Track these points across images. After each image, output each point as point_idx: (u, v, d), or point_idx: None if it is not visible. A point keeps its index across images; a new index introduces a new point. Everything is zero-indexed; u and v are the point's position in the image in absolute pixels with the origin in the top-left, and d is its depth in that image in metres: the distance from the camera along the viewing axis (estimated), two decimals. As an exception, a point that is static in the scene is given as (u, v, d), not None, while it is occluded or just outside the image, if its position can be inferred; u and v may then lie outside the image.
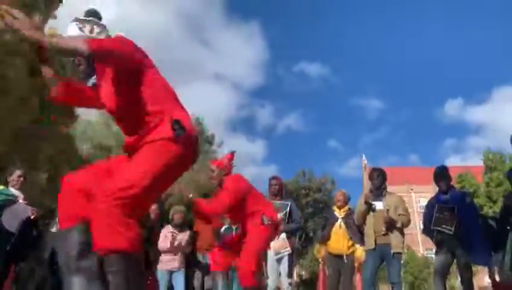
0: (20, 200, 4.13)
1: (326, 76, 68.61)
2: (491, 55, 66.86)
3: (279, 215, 5.11)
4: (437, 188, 4.86)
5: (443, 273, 4.60)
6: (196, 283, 5.84)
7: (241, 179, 3.77)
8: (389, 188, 5.19)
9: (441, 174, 4.81)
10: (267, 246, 4.04)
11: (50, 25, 10.47)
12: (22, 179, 4.27)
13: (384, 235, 4.67)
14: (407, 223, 4.79)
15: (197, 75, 63.06)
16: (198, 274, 5.88)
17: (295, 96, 68.91)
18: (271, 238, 3.86)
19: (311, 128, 68.26)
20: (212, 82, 60.29)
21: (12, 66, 8.35)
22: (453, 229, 4.39)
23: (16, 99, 8.51)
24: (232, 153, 3.97)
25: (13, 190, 4.18)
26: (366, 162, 40.92)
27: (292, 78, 67.58)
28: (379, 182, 4.98)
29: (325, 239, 5.34)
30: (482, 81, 70.20)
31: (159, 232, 5.55)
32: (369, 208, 4.77)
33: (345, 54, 69.66)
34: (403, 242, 4.78)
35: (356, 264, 5.17)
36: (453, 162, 43.64)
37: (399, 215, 4.74)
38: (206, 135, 23.08)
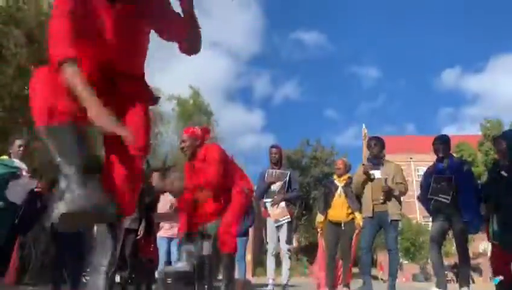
0: (24, 172, 4.11)
1: (323, 44, 67.73)
2: (488, 24, 65.80)
3: (279, 184, 5.17)
4: (435, 157, 4.89)
5: (439, 240, 4.69)
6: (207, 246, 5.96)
7: (222, 150, 3.70)
8: (388, 157, 5.22)
9: (441, 142, 4.83)
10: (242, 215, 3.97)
11: None
12: (22, 148, 4.20)
13: (382, 203, 4.74)
14: (404, 192, 4.84)
15: (194, 44, 61.83)
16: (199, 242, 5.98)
17: (292, 65, 68.29)
18: (247, 208, 3.87)
19: (308, 98, 68.13)
20: (208, 50, 59.52)
21: (10, 35, 8.23)
22: (449, 198, 4.45)
23: (15, 67, 8.43)
24: (208, 129, 3.90)
25: (16, 161, 4.15)
26: (366, 131, 40.88)
27: (289, 46, 66.72)
28: (377, 150, 5.00)
29: (326, 209, 5.39)
30: (480, 50, 69.44)
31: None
32: (368, 178, 4.82)
33: (341, 22, 68.60)
34: (400, 210, 4.85)
35: (356, 231, 5.25)
36: (449, 132, 43.68)
37: (396, 183, 4.78)
38: (203, 107, 22.96)
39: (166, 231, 5.55)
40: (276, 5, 70.59)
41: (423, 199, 4.78)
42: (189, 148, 3.53)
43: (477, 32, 68.60)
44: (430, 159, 5.02)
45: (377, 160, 4.98)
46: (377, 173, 4.85)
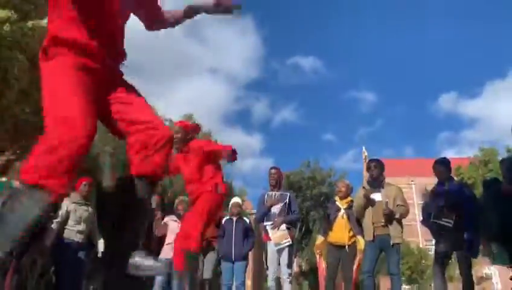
0: None
1: (320, 70, 68.74)
2: (483, 51, 67.07)
3: (279, 206, 5.15)
4: (436, 180, 4.89)
5: (442, 264, 4.64)
6: (208, 270, 5.89)
7: (206, 144, 3.69)
8: (389, 180, 5.20)
9: (441, 165, 4.84)
10: (214, 215, 3.83)
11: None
12: None
13: (383, 226, 4.70)
14: (405, 214, 4.81)
15: (192, 70, 63.29)
16: (208, 262, 5.91)
17: (290, 90, 69.17)
18: (219, 207, 3.75)
19: (306, 122, 68.63)
20: (208, 77, 60.42)
21: (15, 60, 8.34)
22: (452, 221, 4.42)
23: (17, 92, 8.51)
24: (198, 125, 3.89)
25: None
26: (366, 154, 40.90)
27: (286, 72, 67.74)
28: (377, 173, 4.99)
29: (329, 230, 5.35)
30: (475, 76, 70.62)
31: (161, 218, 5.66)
32: (368, 202, 4.79)
33: (338, 48, 69.76)
34: (402, 232, 4.81)
35: (358, 256, 5.19)
36: (448, 155, 43.77)
37: (397, 205, 4.76)
38: (203, 131, 22.88)
39: (167, 253, 5.48)
40: (274, 32, 71.99)
41: (426, 222, 4.75)
42: (180, 142, 3.49)
43: (473, 58, 69.86)
44: (432, 182, 5.01)
45: (377, 182, 4.97)
46: (377, 196, 4.83)
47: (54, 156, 1.34)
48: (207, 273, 5.79)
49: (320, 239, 5.64)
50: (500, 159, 5.18)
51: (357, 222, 5.12)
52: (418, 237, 33.51)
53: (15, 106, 8.78)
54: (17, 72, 8.31)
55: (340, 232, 5.23)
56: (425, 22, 67.83)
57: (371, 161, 5.21)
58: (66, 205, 5.08)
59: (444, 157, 5.04)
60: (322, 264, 5.54)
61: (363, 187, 5.14)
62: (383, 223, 4.69)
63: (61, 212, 5.03)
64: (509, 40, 64.97)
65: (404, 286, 27.26)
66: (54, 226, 4.94)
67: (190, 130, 3.58)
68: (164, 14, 1.95)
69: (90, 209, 5.22)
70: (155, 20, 1.95)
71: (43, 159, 1.35)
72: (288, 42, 73.00)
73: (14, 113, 8.87)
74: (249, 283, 19.96)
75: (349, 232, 5.21)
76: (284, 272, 4.98)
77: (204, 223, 3.43)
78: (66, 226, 4.99)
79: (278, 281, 5.11)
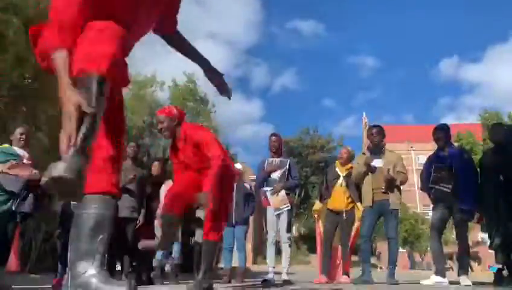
0: (25, 160, 4.11)
1: (320, 34, 67.31)
2: (485, 14, 65.53)
3: (279, 172, 5.18)
4: (436, 146, 4.89)
5: (439, 229, 4.72)
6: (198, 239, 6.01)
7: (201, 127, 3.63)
8: (389, 146, 5.22)
9: (441, 131, 4.83)
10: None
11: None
12: (23, 137, 4.20)
13: (383, 192, 4.75)
14: (404, 181, 4.85)
15: (191, 35, 61.83)
16: (199, 231, 6.04)
17: (289, 54, 67.99)
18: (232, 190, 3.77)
19: (305, 87, 68.00)
20: (206, 41, 59.35)
21: (9, 23, 8.14)
22: (450, 187, 4.46)
23: (13, 56, 8.36)
24: (182, 111, 3.76)
25: (17, 149, 4.15)
26: (366, 120, 40.82)
27: (286, 36, 66.35)
28: (378, 139, 4.98)
29: (327, 197, 5.40)
30: (476, 40, 69.36)
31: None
32: (369, 169, 4.82)
33: (338, 11, 68.04)
34: (400, 198, 4.87)
35: (356, 223, 5.25)
36: (448, 121, 43.82)
37: (398, 172, 4.79)
38: (199, 95, 22.43)
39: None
40: (273, -6, 69.95)
41: (425, 187, 4.80)
42: (168, 129, 3.40)
43: (474, 23, 68.43)
44: (431, 148, 5.02)
45: (377, 149, 4.97)
46: (378, 162, 4.85)
47: None
48: (199, 237, 5.91)
49: (317, 204, 5.70)
50: (492, 124, 5.15)
51: (355, 188, 5.16)
52: (416, 202, 34.00)
53: (12, 72, 8.66)
54: (12, 36, 8.13)
55: (339, 198, 5.27)
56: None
57: (372, 127, 5.19)
58: None
59: (444, 124, 5.03)
60: (319, 229, 5.62)
61: (363, 153, 5.15)
62: (383, 190, 4.73)
63: None
64: (510, 4, 63.45)
65: (400, 249, 27.96)
66: None
67: (174, 116, 3.44)
68: (177, 33, 1.94)
69: None
70: (165, 31, 1.90)
71: None
72: (288, 5, 71.20)
73: (10, 79, 8.76)
74: (249, 246, 20.41)
75: (347, 198, 5.26)
76: (283, 236, 5.07)
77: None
78: None
79: (277, 244, 5.22)
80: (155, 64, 55.66)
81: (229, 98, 2.14)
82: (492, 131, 4.83)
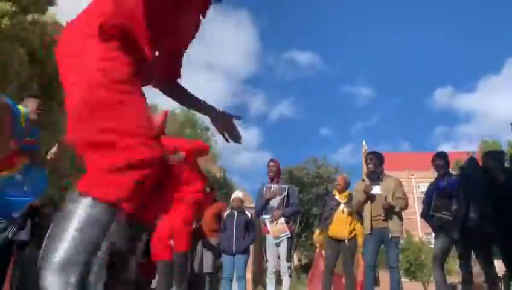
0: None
1: (316, 64, 68.67)
2: (477, 46, 67.12)
3: (278, 199, 5.18)
4: (436, 174, 4.92)
5: (442, 258, 4.68)
6: (208, 263, 5.91)
7: None
8: (390, 174, 5.22)
9: (441, 159, 4.87)
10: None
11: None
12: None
13: (382, 219, 4.73)
14: (405, 207, 4.82)
15: (189, 65, 63.25)
16: (208, 255, 5.95)
17: (286, 84, 69.17)
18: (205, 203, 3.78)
19: (303, 116, 68.69)
20: (204, 72, 60.34)
21: (14, 54, 8.33)
22: (451, 214, 4.46)
23: (16, 86, 8.51)
24: (165, 112, 3.76)
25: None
26: (366, 147, 40.93)
27: (283, 67, 67.73)
28: (375, 165, 5.00)
29: (328, 224, 5.37)
30: (470, 71, 70.82)
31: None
32: (368, 197, 4.81)
33: (334, 42, 69.65)
34: (401, 226, 4.83)
35: (359, 253, 5.21)
36: (445, 149, 44.04)
37: (397, 198, 4.78)
38: (198, 123, 22.60)
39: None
40: (269, 26, 71.65)
41: (426, 216, 4.79)
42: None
43: (467, 54, 70.00)
44: (431, 175, 5.05)
45: (375, 175, 4.98)
46: (376, 189, 4.85)
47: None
48: (207, 267, 5.84)
49: (317, 231, 5.67)
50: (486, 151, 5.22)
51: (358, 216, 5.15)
52: (418, 230, 33.61)
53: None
54: (16, 66, 8.30)
55: (340, 226, 5.24)
56: (421, 18, 67.87)
57: (369, 153, 5.22)
58: None
59: (443, 152, 5.07)
60: (321, 257, 5.57)
61: (363, 180, 5.16)
62: (382, 217, 4.71)
63: None
64: (504, 36, 65.08)
65: (403, 279, 27.43)
66: None
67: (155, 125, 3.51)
68: (179, 85, 1.75)
69: None
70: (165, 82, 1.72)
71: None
72: (285, 36, 72.83)
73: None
74: (248, 275, 20.06)
75: (349, 225, 5.23)
76: (283, 266, 5.01)
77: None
78: None
79: (277, 274, 5.16)
80: (160, 93, 56.35)
81: (239, 143, 1.90)
82: (484, 158, 4.90)
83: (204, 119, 22.51)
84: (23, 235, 3.92)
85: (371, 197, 4.79)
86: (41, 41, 9.00)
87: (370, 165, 4.99)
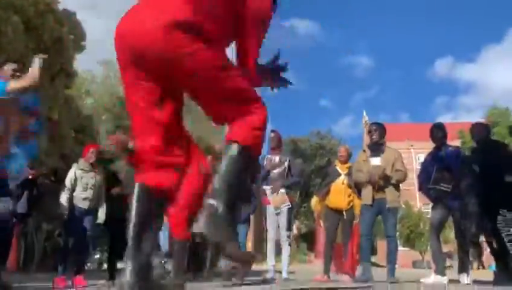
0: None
1: (316, 33, 67.41)
2: (479, 16, 65.84)
3: (279, 170, 5.19)
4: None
5: (439, 228, 4.72)
6: None
7: None
8: (389, 145, 5.21)
9: (439, 130, 4.84)
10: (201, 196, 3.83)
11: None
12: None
13: (381, 190, 4.75)
14: (403, 179, 4.82)
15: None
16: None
17: (285, 54, 68.25)
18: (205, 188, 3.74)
19: (302, 87, 68.13)
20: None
21: (9, 22, 8.14)
22: (450, 186, 4.48)
23: (12, 54, 8.37)
24: None
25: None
26: (366, 118, 40.81)
27: (282, 35, 66.62)
28: (378, 136, 4.97)
29: (326, 194, 5.39)
30: (471, 41, 69.64)
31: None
32: (385, 180, 4.74)
33: (334, 11, 68.14)
34: (399, 197, 4.85)
35: (356, 221, 5.26)
36: (446, 120, 43.93)
37: (396, 170, 4.78)
38: None
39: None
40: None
41: (424, 187, 4.79)
42: None
43: (469, 24, 68.70)
44: (430, 146, 5.02)
45: (377, 146, 4.96)
46: (376, 160, 4.85)
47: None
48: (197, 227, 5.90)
49: (315, 199, 5.70)
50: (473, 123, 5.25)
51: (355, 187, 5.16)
52: (416, 201, 34.00)
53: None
54: (11, 34, 8.13)
55: (339, 196, 5.26)
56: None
57: (372, 124, 5.18)
58: (74, 171, 5.09)
59: (440, 123, 5.03)
60: (320, 228, 5.64)
61: (364, 151, 5.15)
62: (377, 187, 4.73)
63: (70, 179, 5.04)
64: (505, 6, 63.75)
65: (402, 247, 27.98)
66: (63, 193, 4.99)
67: None
68: None
69: (97, 176, 5.23)
70: None
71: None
72: (284, 4, 71.38)
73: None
74: (249, 244, 20.43)
75: (348, 197, 5.25)
76: (283, 235, 5.07)
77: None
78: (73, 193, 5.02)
79: (277, 243, 5.23)
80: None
81: (287, 86, 1.95)
82: (473, 129, 4.88)
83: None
84: (21, 208, 3.89)
85: (386, 181, 4.75)
86: (36, 9, 8.81)
87: (374, 136, 4.95)
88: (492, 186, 4.19)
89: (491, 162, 4.32)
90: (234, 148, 1.39)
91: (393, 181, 4.72)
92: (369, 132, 5.07)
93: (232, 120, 1.44)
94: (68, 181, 5.04)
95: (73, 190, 5.00)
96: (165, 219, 4.88)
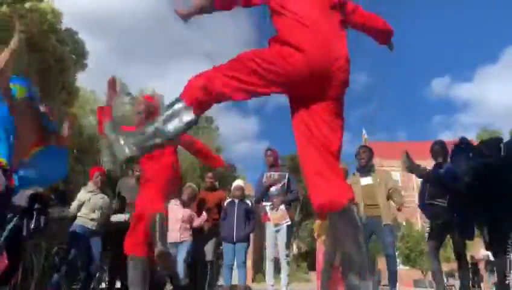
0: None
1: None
2: (474, 36, 66.96)
3: (278, 186, 5.19)
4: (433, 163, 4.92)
5: (437, 247, 4.70)
6: (209, 251, 5.95)
7: None
8: (388, 163, 5.25)
9: (439, 147, 4.87)
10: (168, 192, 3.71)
11: None
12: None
13: (373, 207, 4.75)
14: (403, 198, 4.87)
15: (189, 54, 63.03)
16: (209, 244, 5.99)
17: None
18: (173, 186, 3.68)
19: (300, 104, 68.56)
20: (203, 61, 60.09)
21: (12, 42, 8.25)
22: (446, 202, 4.47)
23: (15, 74, 8.45)
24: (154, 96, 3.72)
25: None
26: (366, 136, 40.92)
27: (280, 56, 67.46)
28: (366, 159, 5.04)
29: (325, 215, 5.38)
30: (467, 61, 70.75)
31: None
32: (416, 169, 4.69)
33: None
34: (393, 215, 4.87)
35: None
36: (444, 138, 43.96)
37: (393, 190, 4.83)
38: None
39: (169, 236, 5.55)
40: (266, 15, 71.39)
41: (421, 205, 4.79)
42: (145, 112, 3.43)
43: (464, 44, 69.90)
44: (430, 164, 5.04)
45: (366, 168, 5.03)
46: (367, 180, 4.90)
47: None
48: (209, 255, 5.88)
49: (318, 222, 5.68)
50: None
51: None
52: (417, 219, 33.79)
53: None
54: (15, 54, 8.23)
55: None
56: (418, 7, 67.59)
57: (361, 147, 5.27)
58: (82, 195, 5.26)
59: (441, 140, 5.07)
60: (321, 247, 5.60)
61: (353, 174, 5.19)
62: (376, 206, 4.73)
63: (76, 201, 5.21)
64: (501, 26, 64.88)
65: (402, 266, 27.64)
66: (67, 213, 5.15)
67: (152, 104, 3.45)
68: None
69: (105, 197, 5.40)
70: None
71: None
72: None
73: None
74: (249, 263, 20.27)
75: None
76: (282, 253, 5.04)
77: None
78: (80, 214, 5.15)
79: (277, 262, 5.19)
80: (159, 79, 56.51)
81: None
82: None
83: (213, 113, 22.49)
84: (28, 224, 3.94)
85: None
86: (40, 29, 8.94)
87: (362, 159, 5.03)
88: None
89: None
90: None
91: (398, 206, 4.73)
92: (357, 154, 5.13)
93: None
94: (74, 205, 5.20)
95: (77, 211, 5.17)
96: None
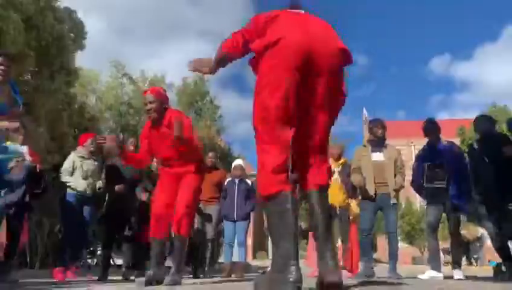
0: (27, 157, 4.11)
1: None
2: (474, 13, 65.84)
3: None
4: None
5: (435, 225, 4.73)
6: (209, 230, 5.99)
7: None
8: (390, 142, 5.22)
9: (432, 125, 4.86)
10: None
11: None
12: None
13: (382, 185, 4.76)
14: (403, 181, 4.88)
15: (183, 33, 62.06)
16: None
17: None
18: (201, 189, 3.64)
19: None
20: (199, 39, 59.29)
21: (9, 20, 8.12)
22: (445, 183, 4.48)
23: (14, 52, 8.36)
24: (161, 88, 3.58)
25: (21, 147, 4.13)
26: (366, 115, 40.78)
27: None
28: (382, 132, 4.97)
29: None
30: (467, 39, 69.80)
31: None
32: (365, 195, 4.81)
33: (330, 10, 68.06)
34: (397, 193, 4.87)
35: (351, 217, 5.27)
36: (443, 117, 43.98)
37: (398, 172, 4.83)
38: (209, 96, 21.99)
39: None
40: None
41: (417, 185, 4.79)
42: (156, 111, 3.28)
43: (465, 22, 68.76)
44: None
45: (380, 142, 4.97)
46: (379, 156, 4.86)
47: None
48: (209, 233, 5.94)
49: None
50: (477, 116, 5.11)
51: (351, 184, 5.13)
52: (416, 197, 34.00)
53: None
54: (12, 32, 8.12)
55: (333, 193, 5.25)
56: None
57: (374, 120, 5.19)
58: (73, 159, 5.05)
59: (432, 118, 5.06)
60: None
61: (364, 146, 5.16)
62: (385, 183, 4.75)
63: (67, 166, 5.00)
64: (502, 4, 63.71)
65: (402, 244, 28.00)
66: (63, 175, 4.97)
67: (163, 98, 3.34)
68: None
69: (96, 163, 5.23)
70: None
71: None
72: (278, 2, 71.33)
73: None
74: (250, 241, 20.49)
75: (342, 194, 5.24)
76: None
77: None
78: (72, 181, 4.95)
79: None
80: (165, 60, 55.77)
81: None
82: (477, 122, 4.83)
83: (213, 92, 22.15)
84: (14, 197, 3.87)
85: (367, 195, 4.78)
86: (36, 6, 8.79)
87: (380, 131, 4.95)
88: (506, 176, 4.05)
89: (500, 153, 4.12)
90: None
91: (397, 187, 4.74)
92: (372, 128, 5.06)
93: None
94: (67, 164, 4.97)
95: (70, 176, 4.95)
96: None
